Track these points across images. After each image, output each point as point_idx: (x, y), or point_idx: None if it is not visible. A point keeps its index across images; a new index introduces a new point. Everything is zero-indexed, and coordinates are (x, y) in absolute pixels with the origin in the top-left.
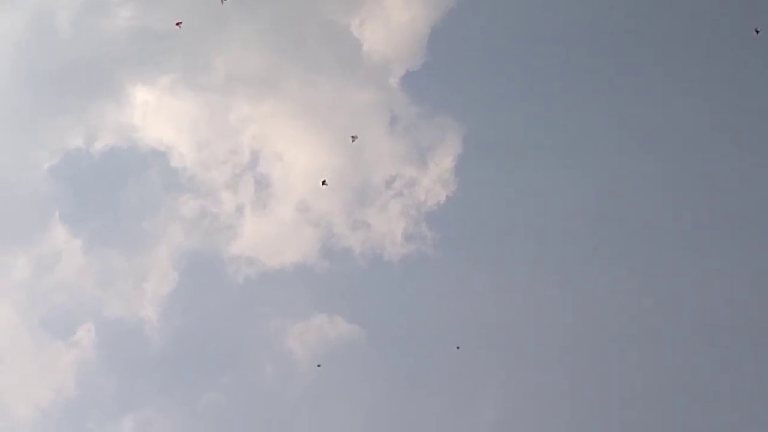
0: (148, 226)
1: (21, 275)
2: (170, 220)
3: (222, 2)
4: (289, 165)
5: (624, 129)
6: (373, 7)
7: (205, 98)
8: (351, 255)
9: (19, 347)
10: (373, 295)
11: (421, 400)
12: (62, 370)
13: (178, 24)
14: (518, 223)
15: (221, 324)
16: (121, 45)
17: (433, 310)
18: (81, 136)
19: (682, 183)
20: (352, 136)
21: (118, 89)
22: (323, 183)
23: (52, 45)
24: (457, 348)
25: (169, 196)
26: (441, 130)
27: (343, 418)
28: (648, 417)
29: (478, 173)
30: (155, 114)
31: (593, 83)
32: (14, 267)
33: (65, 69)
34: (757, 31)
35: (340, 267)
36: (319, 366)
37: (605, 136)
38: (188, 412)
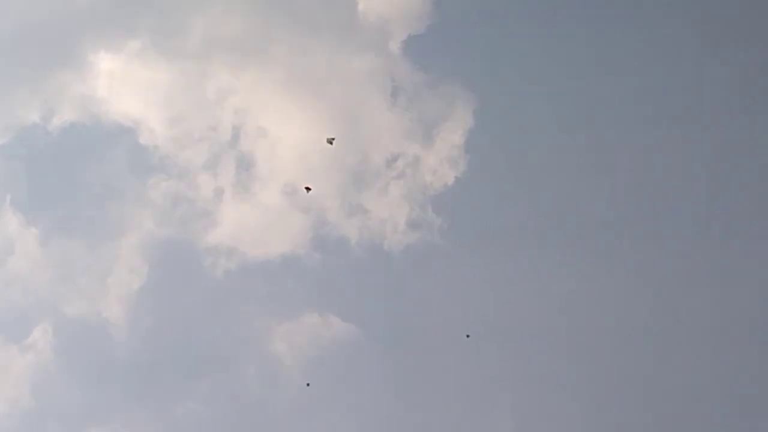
0: (113, 212)
1: None
2: (139, 205)
3: None
4: (275, 142)
5: (652, 99)
6: None
7: (180, 66)
8: (346, 245)
9: None
10: (371, 291)
11: (426, 409)
12: (16, 378)
13: None
14: (536, 207)
15: (198, 324)
16: (82, 5)
17: (440, 307)
18: (36, 110)
19: (705, 159)
20: (329, 139)
21: (79, 56)
22: (330, 141)
23: (2, 6)
24: (468, 336)
25: (138, 178)
26: (448, 101)
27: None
28: (658, 410)
29: (491, 150)
30: (122, 84)
31: (621, 43)
32: None
33: (18, 34)
34: None
35: (334, 258)
36: (308, 385)
37: (632, 105)
38: (161, 425)
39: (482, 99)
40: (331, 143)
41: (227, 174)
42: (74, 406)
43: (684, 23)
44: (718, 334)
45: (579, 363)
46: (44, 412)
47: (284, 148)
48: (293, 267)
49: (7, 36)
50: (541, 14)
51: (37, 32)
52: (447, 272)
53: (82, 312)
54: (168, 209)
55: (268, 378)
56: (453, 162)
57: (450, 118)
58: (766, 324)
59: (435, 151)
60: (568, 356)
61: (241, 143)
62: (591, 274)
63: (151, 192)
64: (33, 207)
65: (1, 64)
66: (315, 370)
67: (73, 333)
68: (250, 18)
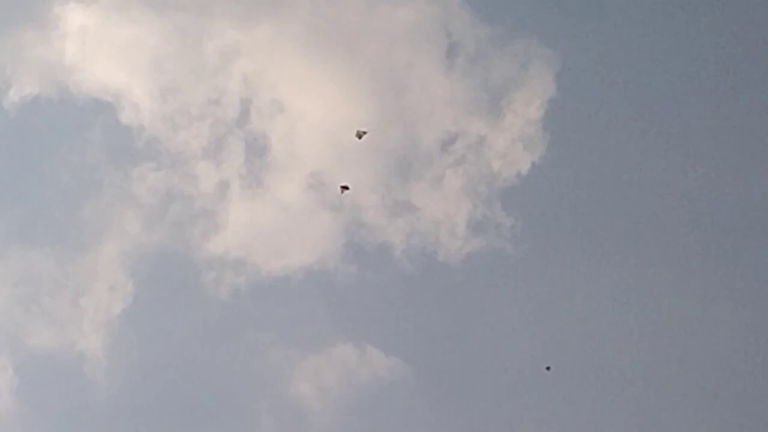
0: (88, 214)
1: None
2: (121, 204)
3: None
4: (295, 120)
5: None
6: None
7: (172, 21)
8: (389, 254)
9: None
10: (422, 314)
11: None
12: None
13: None
14: (639, 202)
15: (197, 359)
16: None
17: (513, 334)
18: None
19: None
20: (359, 132)
21: (41, 10)
22: (359, 135)
23: None
24: (548, 369)
25: (120, 168)
26: (522, 63)
27: None
28: None
29: (579, 127)
30: (97, 46)
31: None
32: None
33: None
34: None
35: (374, 272)
36: None
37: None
38: None
39: (567, 59)
40: (360, 137)
41: (234, 162)
42: None
43: None
44: None
45: (695, 407)
46: None
47: (307, 127)
48: (320, 284)
49: None
50: None
51: None
52: (521, 289)
53: (49, 344)
54: (158, 209)
55: (289, 427)
56: (528, 143)
57: (524, 85)
58: None
59: (505, 130)
60: (683, 399)
61: (251, 121)
62: (709, 293)
63: (137, 186)
64: None
65: None
66: (349, 418)
67: (38, 371)
68: None
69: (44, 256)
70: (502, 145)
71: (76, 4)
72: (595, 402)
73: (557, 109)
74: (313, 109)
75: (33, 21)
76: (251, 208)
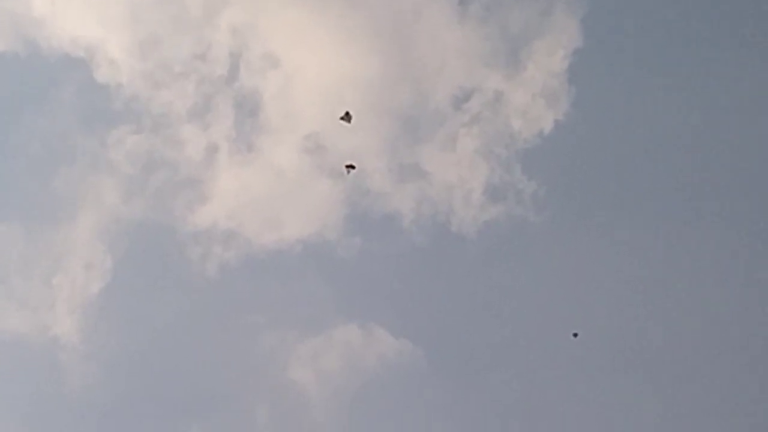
0: (61, 183)
1: None
2: (97, 172)
3: None
4: (290, 76)
5: None
6: None
7: None
8: (397, 224)
9: None
10: (434, 291)
11: None
12: None
13: None
14: (672, 163)
15: (184, 343)
16: None
17: (534, 311)
18: None
19: None
20: (344, 116)
21: None
22: (345, 118)
23: None
24: (575, 336)
25: (95, 133)
26: (544, 9)
27: None
28: None
29: (607, 81)
30: None
31: None
32: None
33: None
34: None
35: (380, 245)
36: None
37: None
38: None
39: (593, 4)
40: (348, 120)
41: (222, 124)
42: None
43: None
44: None
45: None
46: None
47: (303, 84)
48: (320, 258)
49: None
50: None
51: None
52: (543, 260)
53: (19, 328)
54: (138, 177)
55: (286, 418)
56: (551, 99)
57: (546, 34)
58: None
59: (525, 84)
60: (708, 365)
61: (241, 78)
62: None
63: (114, 152)
64: None
65: None
66: (353, 407)
67: (8, 358)
68: None
69: (12, 231)
70: (522, 101)
71: None
72: (620, 375)
73: (582, 60)
74: (310, 63)
75: None
76: (242, 175)
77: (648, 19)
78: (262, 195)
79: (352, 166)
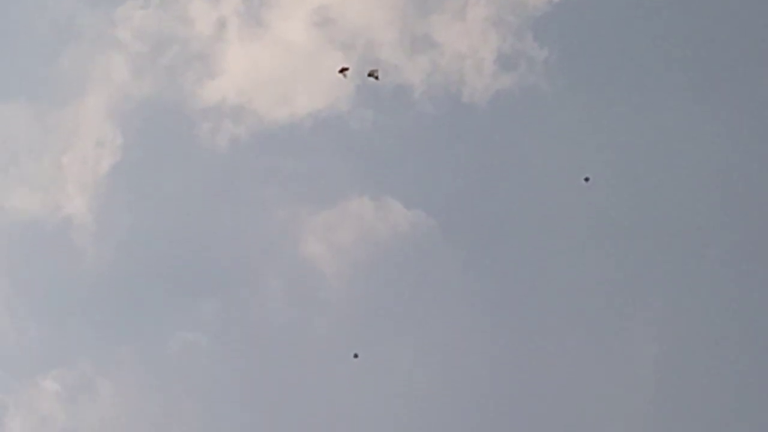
0: (68, 61)
1: None
2: (105, 49)
3: None
4: None
5: None
6: None
7: None
8: (408, 96)
9: None
10: (447, 162)
11: (532, 330)
12: None
13: None
14: (684, 26)
15: (195, 219)
16: None
17: (547, 181)
18: None
19: None
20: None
21: None
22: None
23: None
24: (586, 180)
25: (101, 8)
26: None
27: (400, 365)
28: None
29: None
30: None
31: None
32: None
33: None
34: None
35: (391, 117)
36: (356, 356)
37: None
38: (147, 365)
39: None
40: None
41: None
42: (26, 344)
43: None
44: None
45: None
46: None
47: None
48: (332, 131)
49: None
50: None
51: None
52: (555, 129)
53: (30, 209)
54: (147, 54)
55: (297, 294)
56: None
57: None
58: None
59: None
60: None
61: None
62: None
63: (122, 28)
64: None
65: None
66: (366, 279)
67: (19, 240)
68: None
69: (21, 111)
70: None
71: None
72: (630, 242)
73: None
74: None
75: None
76: (251, 50)
77: None
78: (272, 69)
79: (345, 69)
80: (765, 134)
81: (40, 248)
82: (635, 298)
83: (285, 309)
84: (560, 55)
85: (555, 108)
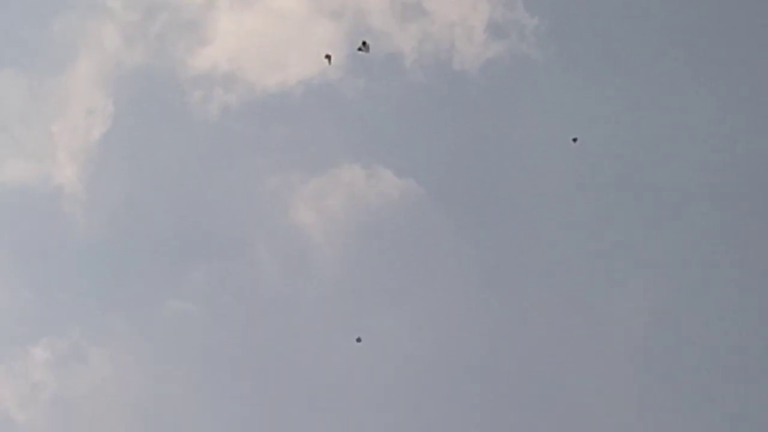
0: (58, 29)
1: None
2: (95, 17)
3: None
4: None
5: None
6: None
7: None
8: (399, 64)
9: None
10: (437, 130)
11: (526, 296)
12: None
13: None
14: None
15: (185, 187)
16: None
17: (538, 149)
18: None
19: None
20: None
21: None
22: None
23: None
24: (574, 141)
25: None
26: None
27: (389, 333)
28: None
29: None
30: None
31: None
32: None
33: None
34: None
35: (382, 85)
36: (358, 340)
37: None
38: (138, 333)
39: None
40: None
41: None
42: (16, 312)
43: None
44: None
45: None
46: None
47: None
48: (323, 99)
49: None
50: None
51: None
52: (547, 98)
53: (20, 177)
54: (138, 22)
55: (288, 262)
56: None
57: None
58: None
59: None
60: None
61: None
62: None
63: None
64: None
65: None
66: (356, 246)
67: (10, 208)
68: None
69: (11, 79)
70: None
71: None
72: (623, 210)
73: None
74: None
75: None
76: (242, 18)
77: None
78: (262, 37)
79: (328, 56)
80: (752, 102)
81: (31, 217)
82: (626, 264)
83: (275, 277)
84: (551, 24)
85: (545, 76)
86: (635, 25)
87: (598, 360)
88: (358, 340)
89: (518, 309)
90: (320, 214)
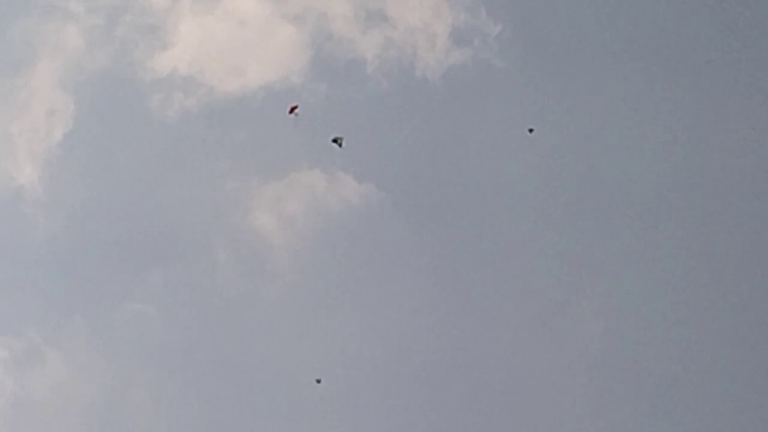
0: (19, 31)
1: None
2: (57, 19)
3: None
4: None
5: None
6: None
7: None
8: (361, 70)
9: None
10: (399, 136)
11: (478, 302)
12: None
13: None
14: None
15: (145, 190)
16: None
17: (500, 155)
18: None
19: None
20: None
21: None
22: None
23: None
24: (531, 131)
25: None
26: None
27: (347, 336)
28: None
29: None
30: None
31: None
32: None
33: None
34: None
35: (343, 90)
36: (318, 382)
37: None
38: (95, 335)
39: None
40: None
41: None
42: None
43: None
44: None
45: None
46: None
47: None
48: (283, 104)
49: None
50: None
51: None
52: (510, 105)
53: None
54: (99, 24)
55: (246, 265)
56: None
57: None
58: None
59: None
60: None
61: None
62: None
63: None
64: None
65: None
66: (316, 252)
67: None
68: None
69: None
70: None
71: None
72: (590, 214)
73: None
74: None
75: None
76: (204, 22)
77: None
78: (224, 42)
79: (295, 107)
80: (712, 100)
81: None
82: (584, 269)
83: (233, 280)
84: (513, 31)
85: (507, 83)
86: (596, 31)
87: (555, 360)
88: (318, 381)
89: (476, 311)
90: (280, 218)
